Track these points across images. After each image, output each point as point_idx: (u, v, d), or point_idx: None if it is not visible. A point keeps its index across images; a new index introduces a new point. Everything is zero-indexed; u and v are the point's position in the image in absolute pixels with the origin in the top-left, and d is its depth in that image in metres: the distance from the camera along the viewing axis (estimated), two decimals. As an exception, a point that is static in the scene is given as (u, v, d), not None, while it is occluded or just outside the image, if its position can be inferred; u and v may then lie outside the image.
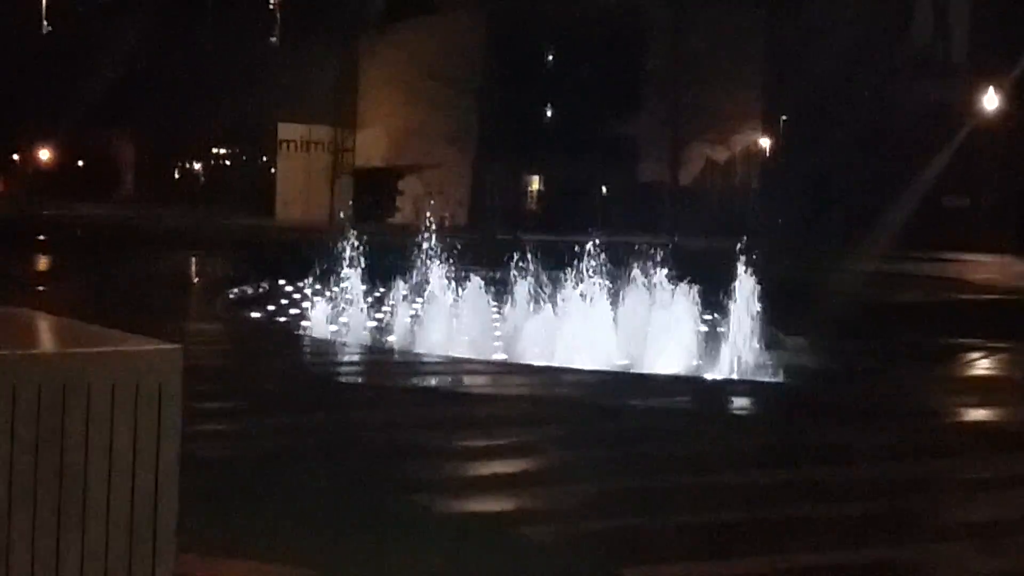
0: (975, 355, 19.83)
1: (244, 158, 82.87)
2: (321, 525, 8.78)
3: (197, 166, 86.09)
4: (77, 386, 4.66)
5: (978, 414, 15.35)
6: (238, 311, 25.42)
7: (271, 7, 78.78)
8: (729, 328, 20.46)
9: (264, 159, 79.00)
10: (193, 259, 36.54)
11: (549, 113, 71.57)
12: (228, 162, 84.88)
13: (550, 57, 71.83)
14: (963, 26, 61.96)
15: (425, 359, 19.60)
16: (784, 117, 66.64)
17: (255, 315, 24.66)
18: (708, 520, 9.41)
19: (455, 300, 21.92)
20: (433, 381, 17.05)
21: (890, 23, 60.24)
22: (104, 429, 4.71)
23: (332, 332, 22.43)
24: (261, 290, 26.42)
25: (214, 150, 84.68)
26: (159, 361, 4.86)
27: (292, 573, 7.78)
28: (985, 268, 44.01)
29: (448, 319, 21.57)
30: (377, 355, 20.42)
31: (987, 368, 19.14)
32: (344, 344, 21.10)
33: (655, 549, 8.66)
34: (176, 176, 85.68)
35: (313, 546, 8.25)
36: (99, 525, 4.72)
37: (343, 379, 17.52)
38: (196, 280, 32.90)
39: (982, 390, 17.52)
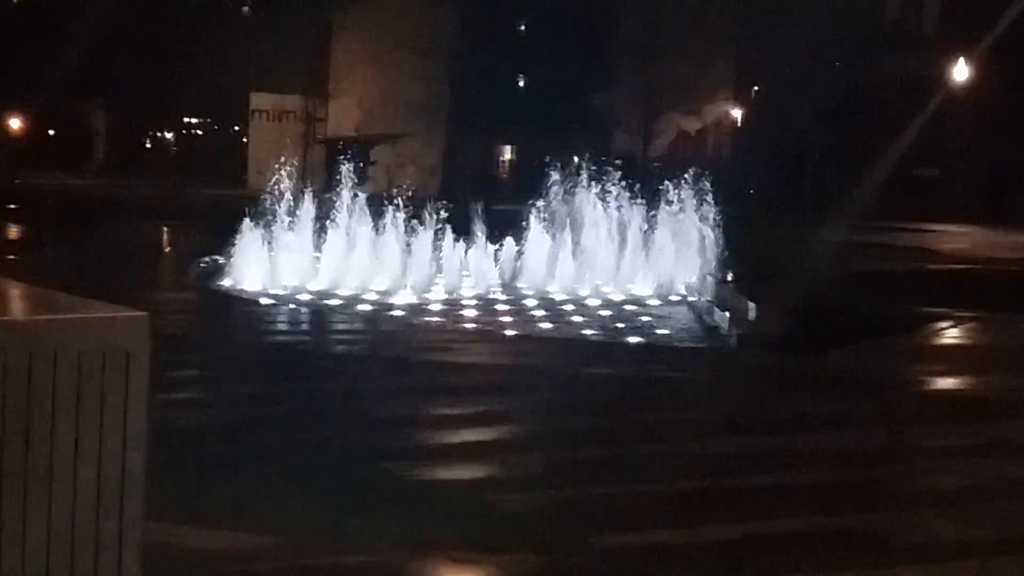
0: (943, 324, 19.94)
1: (216, 128, 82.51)
2: (290, 493, 8.82)
3: (169, 136, 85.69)
4: (44, 353, 4.65)
5: (946, 383, 15.46)
6: (208, 280, 25.44)
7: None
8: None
9: (236, 129, 78.68)
10: (164, 228, 36.48)
11: (522, 83, 71.43)
12: (200, 132, 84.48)
13: (523, 27, 71.65)
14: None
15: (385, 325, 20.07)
16: (756, 88, 66.67)
17: (225, 284, 24.70)
18: (677, 488, 9.47)
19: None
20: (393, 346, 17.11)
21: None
22: (71, 397, 4.72)
23: (299, 299, 23.07)
24: (231, 259, 26.41)
25: (186, 120, 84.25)
26: (126, 329, 4.86)
27: (260, 541, 7.82)
28: (954, 238, 44.20)
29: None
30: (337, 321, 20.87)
31: (955, 337, 19.24)
32: (307, 310, 21.66)
33: (624, 517, 8.73)
34: (148, 146, 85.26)
35: (282, 514, 8.29)
36: (66, 493, 4.73)
37: (307, 346, 17.59)
38: (167, 249, 32.87)
39: (950, 359, 17.64)
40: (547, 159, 30.54)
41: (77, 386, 4.73)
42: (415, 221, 27.18)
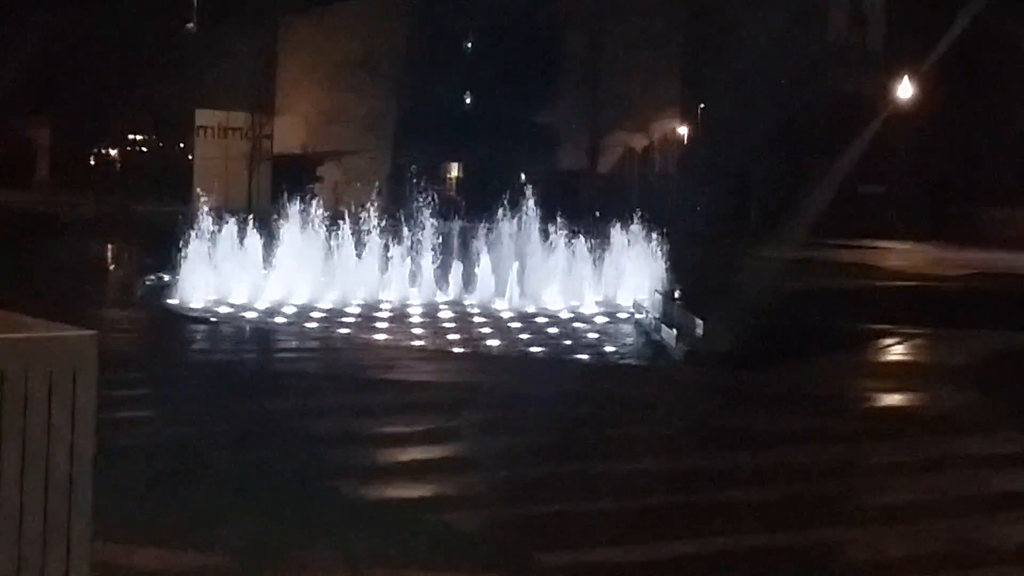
0: (888, 341, 20.04)
1: (161, 144, 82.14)
2: (239, 512, 8.77)
3: (113, 152, 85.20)
4: (-10, 373, 4.62)
5: (892, 399, 15.53)
6: (154, 297, 25.36)
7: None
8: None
9: (182, 145, 78.36)
10: (110, 245, 36.28)
11: (468, 100, 71.50)
12: (144, 148, 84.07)
13: (469, 45, 71.74)
14: (879, 16, 62.48)
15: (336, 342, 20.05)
16: (702, 105, 66.92)
17: (171, 301, 24.62)
18: (625, 505, 9.47)
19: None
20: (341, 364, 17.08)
21: (807, 13, 60.61)
22: (17, 417, 4.67)
23: (245, 316, 23.15)
24: (178, 277, 26.37)
25: (130, 136, 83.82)
26: (74, 348, 4.82)
27: (208, 560, 7.77)
28: (898, 255, 44.47)
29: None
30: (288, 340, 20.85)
31: (900, 354, 19.35)
32: (254, 328, 21.70)
33: (573, 535, 8.71)
34: (92, 162, 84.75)
35: (231, 533, 8.24)
36: (13, 514, 4.69)
37: (254, 363, 17.53)
38: (112, 267, 32.69)
39: (895, 375, 17.72)
40: (493, 178, 30.92)
41: (24, 406, 4.69)
42: (362, 238, 27.42)
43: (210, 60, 67.91)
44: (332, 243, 27.29)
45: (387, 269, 27.29)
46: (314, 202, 28.42)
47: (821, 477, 10.80)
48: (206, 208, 26.94)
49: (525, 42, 65.40)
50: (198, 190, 63.10)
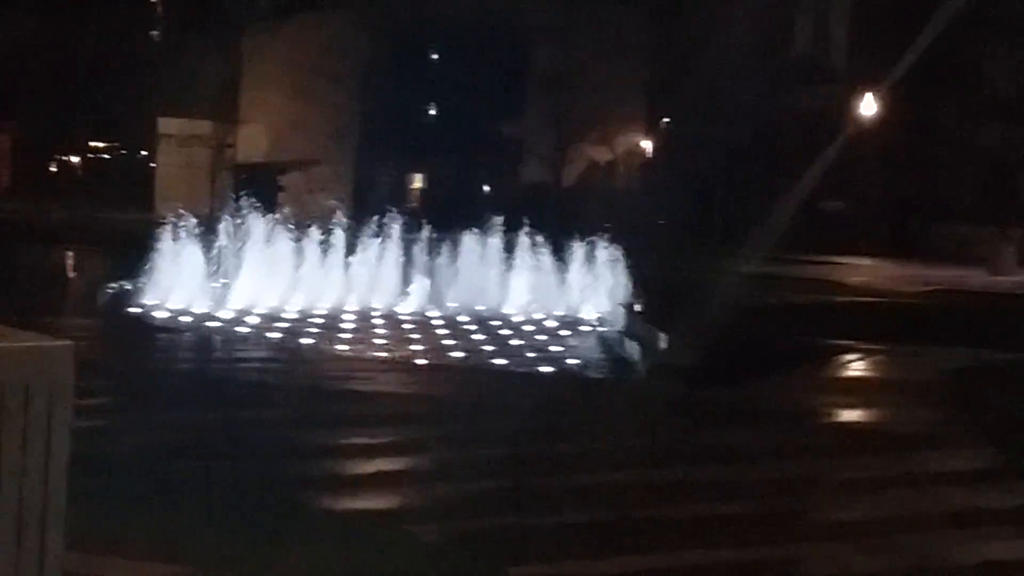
0: (849, 356, 20.12)
1: (123, 152, 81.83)
2: (205, 523, 8.76)
3: (75, 159, 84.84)
4: (-33, 383, 4.62)
5: (855, 415, 15.61)
6: (116, 306, 25.25)
7: (152, 0, 77.94)
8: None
9: (144, 153, 78.09)
10: (71, 254, 36.12)
11: (433, 112, 71.52)
12: (107, 156, 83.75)
13: (434, 56, 71.78)
14: (842, 34, 62.76)
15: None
16: (666, 120, 67.07)
17: (134, 310, 24.53)
18: (593, 519, 9.50)
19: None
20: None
21: (772, 29, 60.80)
22: (-8, 426, 4.68)
23: (208, 325, 23.10)
24: (140, 285, 26.29)
25: (92, 143, 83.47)
26: (50, 358, 4.82)
27: (174, 571, 7.76)
28: (859, 271, 44.65)
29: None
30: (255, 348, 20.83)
31: (862, 369, 19.43)
32: (217, 336, 21.64)
33: (541, 548, 8.74)
34: (54, 170, 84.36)
35: (197, 544, 8.24)
36: (-13, 523, 4.69)
37: (217, 373, 17.50)
38: (73, 275, 32.56)
39: (858, 391, 17.81)
40: (457, 190, 30.93)
41: (-1, 416, 4.69)
42: (325, 247, 27.41)
43: (173, 68, 67.74)
44: (296, 251, 27.22)
45: (350, 278, 27.27)
46: (277, 211, 28.37)
47: (784, 492, 10.86)
48: (169, 216, 26.89)
49: (490, 55, 65.45)
50: (160, 198, 62.99)
